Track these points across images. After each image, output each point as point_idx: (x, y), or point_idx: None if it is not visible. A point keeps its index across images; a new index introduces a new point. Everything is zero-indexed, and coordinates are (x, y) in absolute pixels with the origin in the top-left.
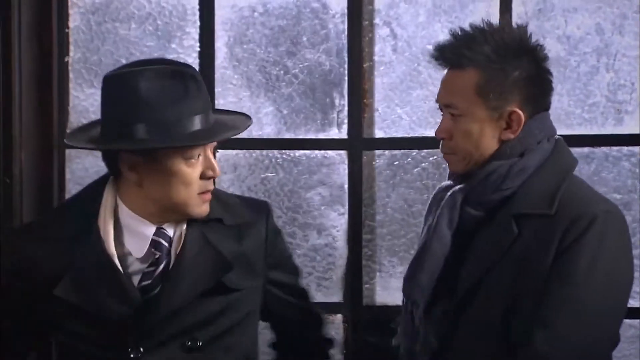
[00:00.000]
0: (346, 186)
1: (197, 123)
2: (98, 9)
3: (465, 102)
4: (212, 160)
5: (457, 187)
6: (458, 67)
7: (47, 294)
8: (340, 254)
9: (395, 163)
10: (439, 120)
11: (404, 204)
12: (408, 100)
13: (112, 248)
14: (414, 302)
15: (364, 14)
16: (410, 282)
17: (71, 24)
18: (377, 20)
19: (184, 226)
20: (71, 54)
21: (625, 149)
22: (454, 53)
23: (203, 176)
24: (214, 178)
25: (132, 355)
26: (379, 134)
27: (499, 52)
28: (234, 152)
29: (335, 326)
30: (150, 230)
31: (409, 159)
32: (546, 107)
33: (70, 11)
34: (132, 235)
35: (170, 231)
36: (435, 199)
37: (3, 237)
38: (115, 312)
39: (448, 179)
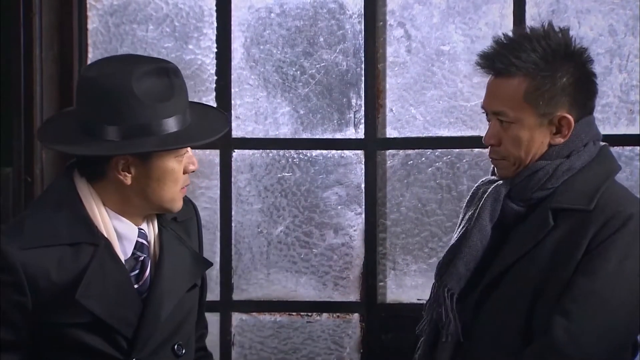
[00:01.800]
0: (363, 186)
1: (187, 119)
2: (116, 10)
3: (514, 110)
4: (192, 155)
5: (502, 181)
6: (506, 75)
7: (56, 302)
8: (357, 254)
9: (410, 162)
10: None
11: (418, 202)
12: (422, 100)
13: (120, 254)
14: (449, 290)
15: (378, 15)
16: (447, 269)
17: (90, 25)
18: (391, 22)
19: (155, 225)
20: (90, 55)
21: (637, 148)
22: (502, 62)
23: (185, 171)
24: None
25: None
26: (393, 134)
27: (546, 59)
28: (251, 151)
29: (352, 325)
30: (134, 231)
31: (423, 159)
32: (592, 110)
33: (89, 13)
34: (119, 238)
35: (148, 231)
36: (477, 191)
37: None
38: (124, 321)
39: (492, 174)
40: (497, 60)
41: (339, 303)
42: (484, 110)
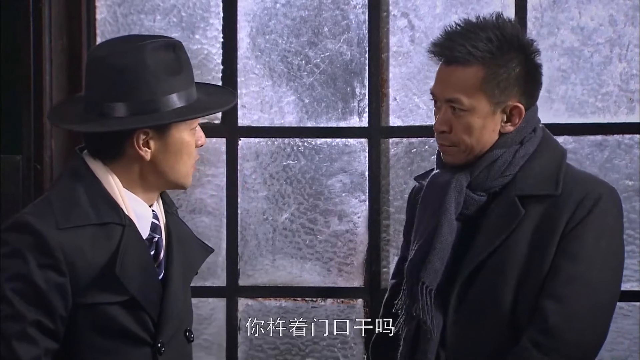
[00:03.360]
0: (367, 173)
1: (194, 93)
2: (124, 1)
3: (469, 98)
4: (200, 129)
5: (461, 173)
6: (462, 63)
7: (91, 281)
8: (361, 240)
9: (413, 150)
10: None
11: None
12: (425, 89)
13: (143, 235)
14: (427, 286)
15: (382, 5)
16: (422, 266)
17: (98, 15)
18: (395, 12)
19: (162, 208)
20: None
21: (637, 136)
22: (460, 50)
23: (196, 145)
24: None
25: (161, 350)
26: (396, 122)
27: (502, 48)
28: (256, 140)
29: (356, 310)
30: (149, 212)
31: (426, 147)
32: (537, 99)
33: (97, 3)
34: (137, 219)
35: (158, 213)
36: (432, 185)
37: (28, 228)
38: (151, 302)
39: (437, 168)
40: (455, 48)
41: (343, 289)
42: (432, 97)
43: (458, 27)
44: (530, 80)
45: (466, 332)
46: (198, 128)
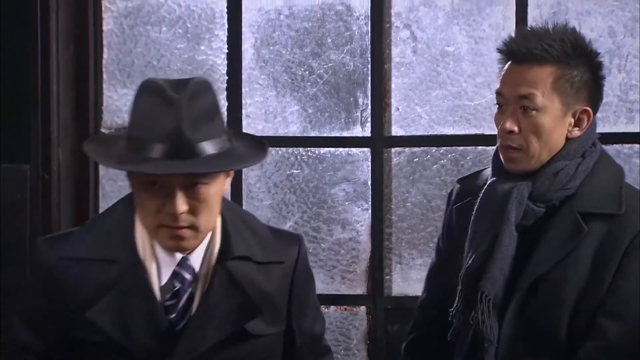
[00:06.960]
0: (369, 182)
1: (199, 152)
2: (130, 12)
3: (543, 96)
4: (175, 194)
5: (522, 182)
6: (537, 62)
7: (76, 316)
8: (363, 248)
9: (415, 160)
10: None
11: (423, 199)
12: (427, 99)
13: (154, 277)
14: (486, 295)
15: (385, 16)
16: (480, 275)
17: (105, 27)
18: (397, 23)
19: (213, 261)
20: (105, 55)
21: (636, 146)
22: (536, 48)
23: (162, 209)
24: (175, 215)
25: None
26: (399, 132)
27: (575, 50)
28: None
29: (359, 317)
30: (171, 258)
31: (428, 156)
32: (598, 110)
33: (104, 15)
34: (157, 262)
35: (196, 264)
36: (492, 193)
37: (36, 251)
38: (143, 346)
39: (494, 175)
40: (531, 46)
41: (347, 296)
42: (497, 101)
43: (530, 29)
44: (597, 87)
45: (522, 344)
46: (174, 191)
